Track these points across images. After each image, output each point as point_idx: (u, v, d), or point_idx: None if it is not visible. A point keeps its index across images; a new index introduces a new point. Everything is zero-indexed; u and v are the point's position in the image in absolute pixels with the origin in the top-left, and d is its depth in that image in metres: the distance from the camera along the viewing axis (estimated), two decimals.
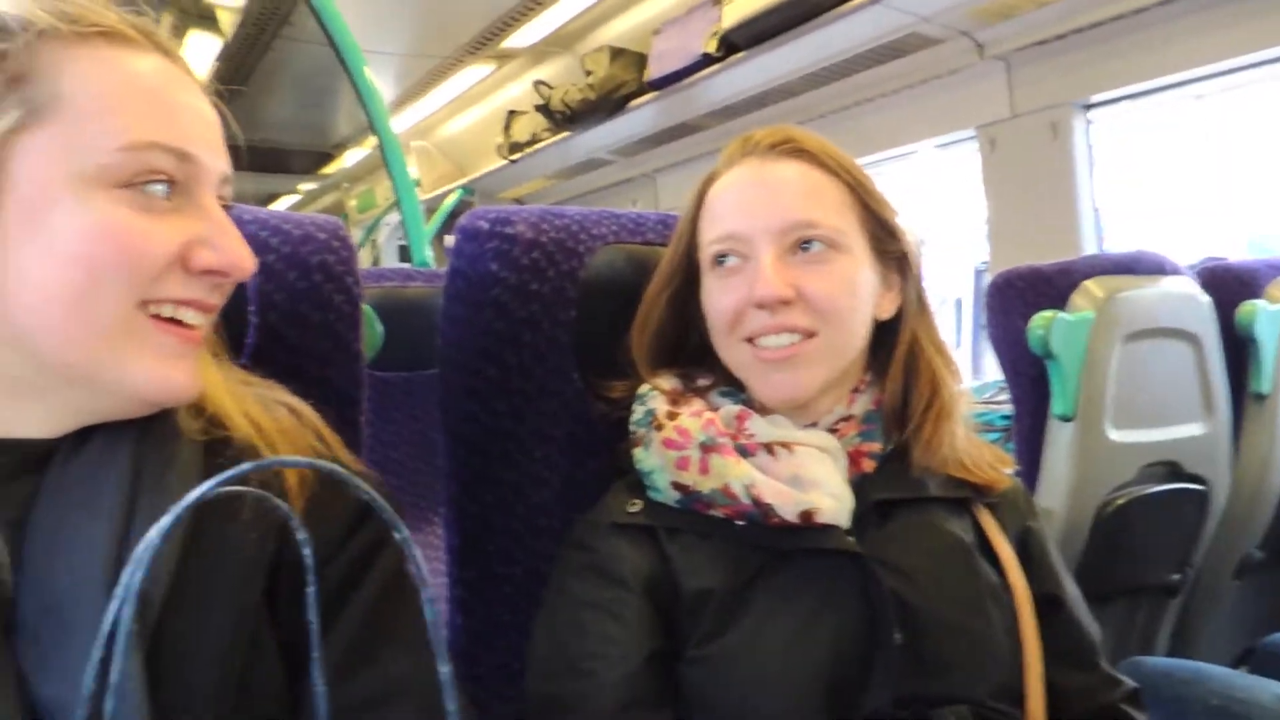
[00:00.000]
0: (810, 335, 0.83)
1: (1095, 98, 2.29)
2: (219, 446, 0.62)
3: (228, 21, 3.64)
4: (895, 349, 0.89)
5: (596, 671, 0.77)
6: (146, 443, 0.59)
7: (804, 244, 0.83)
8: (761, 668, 0.76)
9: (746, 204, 0.85)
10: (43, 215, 0.54)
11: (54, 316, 0.54)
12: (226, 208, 0.63)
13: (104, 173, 0.54)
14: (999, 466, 0.91)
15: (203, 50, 3.83)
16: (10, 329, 0.55)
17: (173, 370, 0.58)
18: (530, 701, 0.82)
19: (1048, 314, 1.42)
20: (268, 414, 0.66)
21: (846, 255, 0.84)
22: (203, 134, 0.60)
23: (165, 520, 0.28)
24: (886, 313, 0.89)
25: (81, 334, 0.55)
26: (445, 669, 0.29)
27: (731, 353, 0.87)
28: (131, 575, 0.35)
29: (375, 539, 0.65)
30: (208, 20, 3.64)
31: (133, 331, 0.57)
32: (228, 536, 0.58)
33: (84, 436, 0.58)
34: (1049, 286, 1.50)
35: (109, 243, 0.54)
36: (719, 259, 0.86)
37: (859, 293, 0.85)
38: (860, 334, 0.87)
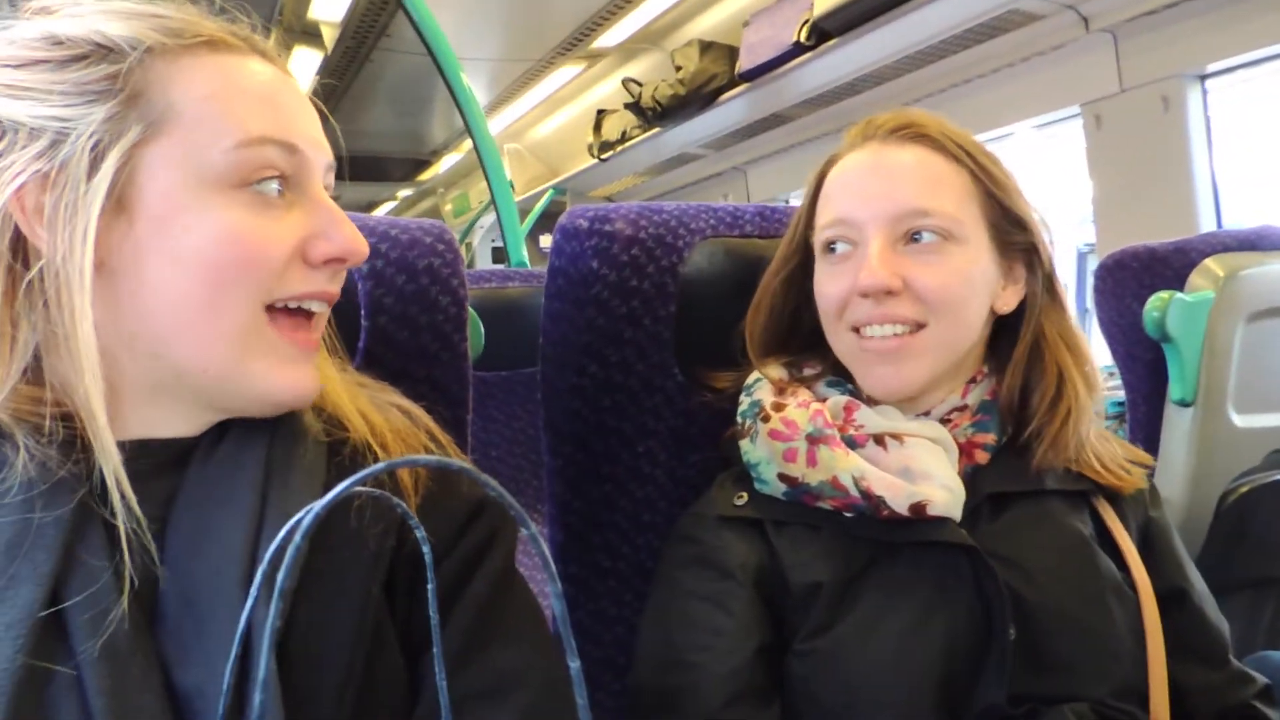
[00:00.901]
0: (919, 327, 0.81)
1: (1211, 67, 2.18)
2: (338, 446, 0.65)
3: (329, 36, 3.77)
4: (1017, 344, 0.86)
5: (704, 664, 0.77)
6: (276, 443, 0.61)
7: (915, 234, 0.81)
8: (872, 662, 0.75)
9: (860, 190, 0.83)
10: (170, 225, 0.56)
11: (187, 323, 0.57)
12: (334, 197, 0.65)
13: (222, 174, 0.57)
14: (1132, 467, 0.88)
15: (306, 65, 3.98)
16: (149, 338, 0.58)
17: (295, 374, 0.61)
18: (638, 694, 0.83)
19: (1164, 295, 1.37)
20: (381, 415, 0.69)
21: (962, 246, 0.81)
22: (306, 127, 0.62)
23: (306, 520, 0.30)
24: (1007, 306, 0.86)
25: (213, 338, 0.58)
26: (575, 664, 0.29)
27: (839, 340, 0.86)
28: (265, 574, 0.37)
29: (486, 536, 0.67)
30: (311, 35, 3.77)
31: (259, 335, 0.59)
32: (351, 532, 0.60)
33: (219, 435, 0.61)
34: (1164, 267, 1.44)
35: (231, 247, 0.57)
36: (830, 245, 0.85)
37: (974, 285, 0.82)
38: (974, 328, 0.84)
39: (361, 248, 0.63)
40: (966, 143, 0.84)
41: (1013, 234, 0.84)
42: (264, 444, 0.61)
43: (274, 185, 0.59)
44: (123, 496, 0.55)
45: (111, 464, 0.55)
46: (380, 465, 0.30)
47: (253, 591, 0.37)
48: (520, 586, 0.69)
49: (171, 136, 0.57)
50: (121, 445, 0.58)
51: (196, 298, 0.57)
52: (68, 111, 0.56)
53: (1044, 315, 0.86)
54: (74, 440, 0.57)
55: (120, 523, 0.55)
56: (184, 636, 0.54)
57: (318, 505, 0.30)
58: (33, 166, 0.55)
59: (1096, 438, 0.87)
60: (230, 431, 0.62)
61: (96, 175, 0.55)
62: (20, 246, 0.56)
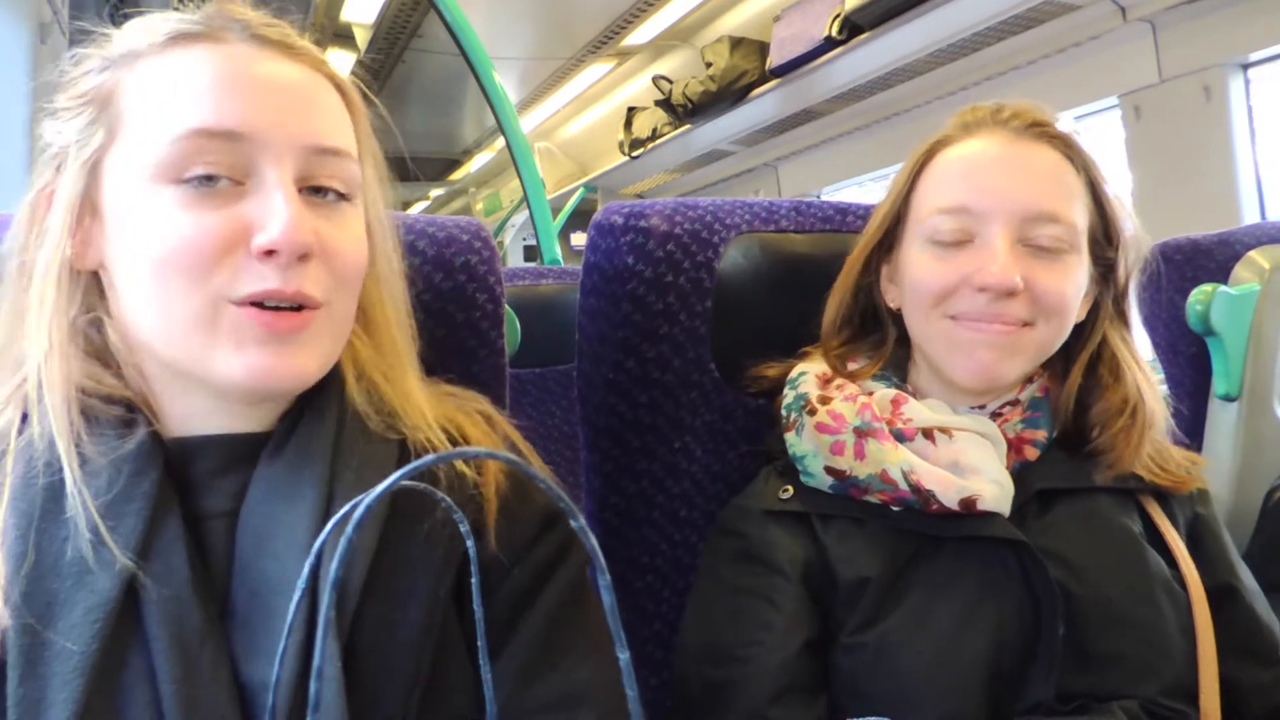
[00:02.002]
0: (1024, 325, 0.79)
1: (1254, 55, 2.14)
2: (409, 446, 0.64)
3: (362, 38, 3.80)
4: (1080, 350, 0.85)
5: (752, 658, 0.77)
6: (343, 440, 0.62)
7: (1037, 237, 0.78)
8: (919, 656, 0.74)
9: (989, 178, 0.80)
10: (126, 225, 0.57)
11: (150, 320, 0.58)
12: (322, 189, 0.61)
13: (159, 170, 0.56)
14: (1191, 466, 0.87)
15: (339, 67, 4.01)
16: (139, 337, 0.59)
17: (260, 357, 0.57)
18: (684, 687, 0.83)
19: (1208, 288, 1.34)
20: (464, 419, 0.69)
21: (1077, 256, 0.80)
22: (267, 107, 0.58)
23: (358, 512, 0.30)
24: (1080, 316, 0.85)
25: (172, 332, 0.57)
26: (625, 655, 0.29)
27: (929, 326, 0.83)
28: (311, 567, 0.37)
29: (559, 547, 0.67)
30: (344, 38, 3.81)
31: (216, 322, 0.57)
32: (421, 534, 0.60)
33: (286, 434, 0.62)
34: (1208, 259, 1.41)
35: (164, 241, 0.56)
36: (939, 231, 0.81)
37: (1080, 294, 0.82)
38: (1066, 335, 0.83)
39: (293, 238, 0.56)
40: (1087, 153, 0.82)
41: (1104, 250, 0.84)
42: (330, 441, 0.61)
43: (210, 176, 0.56)
44: (139, 499, 0.56)
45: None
46: (431, 457, 0.30)
47: (300, 584, 0.37)
48: (592, 599, 0.68)
49: (125, 139, 0.58)
50: (188, 441, 0.60)
51: (150, 294, 0.57)
52: (64, 126, 0.59)
53: (1110, 328, 0.86)
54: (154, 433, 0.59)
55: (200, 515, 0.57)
56: (252, 630, 0.55)
57: (370, 496, 0.30)
58: (44, 179, 0.60)
59: (1160, 443, 0.86)
60: (299, 427, 0.62)
61: (61, 182, 0.58)
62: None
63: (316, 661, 0.31)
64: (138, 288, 0.57)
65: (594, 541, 0.30)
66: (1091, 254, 0.83)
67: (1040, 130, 0.82)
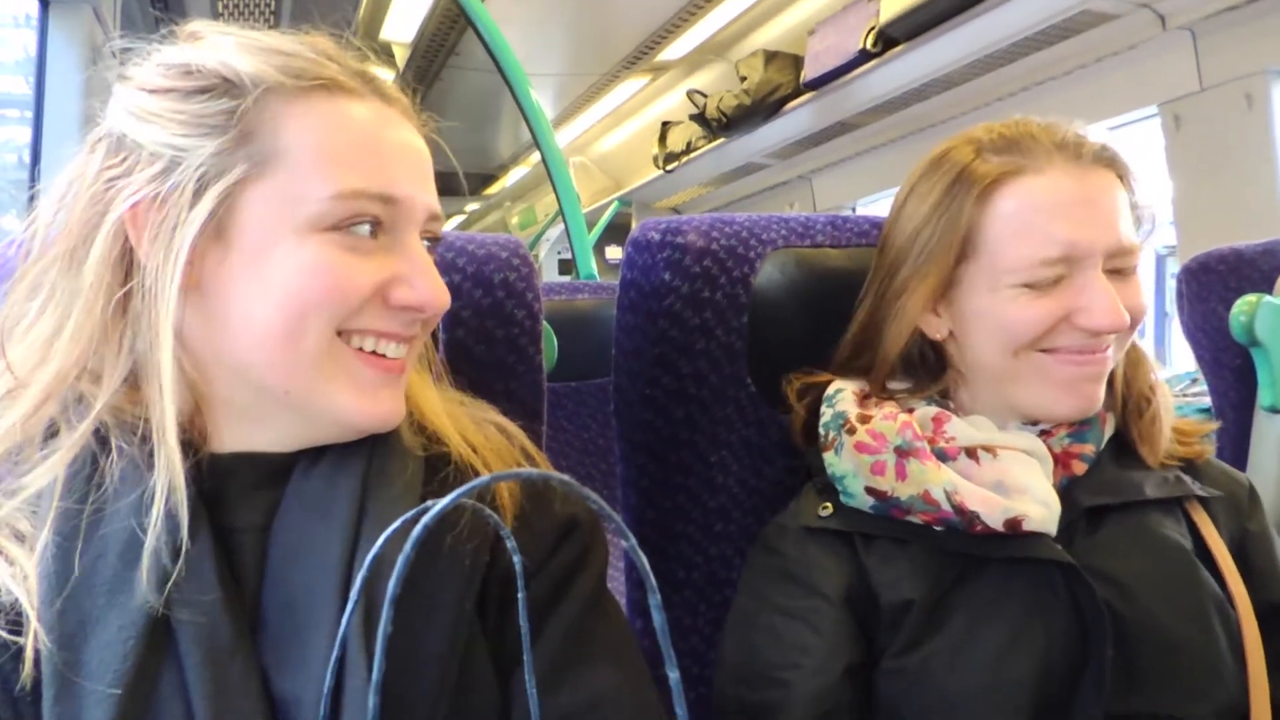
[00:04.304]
0: (1108, 345, 0.80)
1: None
2: (437, 462, 0.66)
3: (400, 56, 3.85)
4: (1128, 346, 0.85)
5: (791, 682, 0.76)
6: (374, 458, 0.63)
7: (1118, 264, 0.79)
8: (965, 680, 0.73)
9: (1080, 220, 0.77)
10: (265, 259, 0.58)
11: (271, 350, 0.59)
12: (435, 239, 0.67)
13: (316, 218, 0.58)
14: (1199, 433, 0.88)
15: None
16: (236, 363, 0.60)
17: (373, 399, 0.62)
18: (722, 706, 0.82)
19: (1252, 298, 1.32)
20: (480, 432, 0.70)
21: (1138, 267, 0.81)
22: (409, 175, 0.62)
23: (420, 525, 0.31)
24: None
25: (293, 363, 0.59)
26: (675, 674, 0.30)
27: (1016, 363, 0.80)
28: (364, 579, 0.38)
29: (577, 557, 0.67)
30: (383, 55, 3.86)
31: (335, 359, 0.60)
32: (448, 546, 0.61)
33: (320, 451, 0.63)
34: (1251, 269, 1.39)
35: (318, 278, 0.58)
36: (1038, 279, 0.78)
37: None
38: None
39: (441, 300, 0.63)
40: (1124, 160, 0.82)
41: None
42: (363, 459, 0.62)
43: (365, 229, 0.60)
44: (167, 515, 0.55)
45: (167, 477, 0.56)
46: (486, 478, 0.31)
47: (353, 596, 0.38)
48: (611, 608, 0.69)
49: (274, 178, 0.58)
50: (223, 458, 0.61)
51: (280, 326, 0.58)
52: (183, 141, 0.58)
53: None
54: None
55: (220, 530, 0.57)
56: (283, 645, 0.56)
57: (428, 515, 0.31)
58: (147, 188, 0.58)
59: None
60: (331, 447, 0.63)
61: (197, 206, 0.57)
62: (126, 260, 0.60)
63: (376, 676, 0.32)
64: (258, 318, 0.58)
65: (645, 561, 0.30)
66: None
67: (1102, 157, 0.80)
